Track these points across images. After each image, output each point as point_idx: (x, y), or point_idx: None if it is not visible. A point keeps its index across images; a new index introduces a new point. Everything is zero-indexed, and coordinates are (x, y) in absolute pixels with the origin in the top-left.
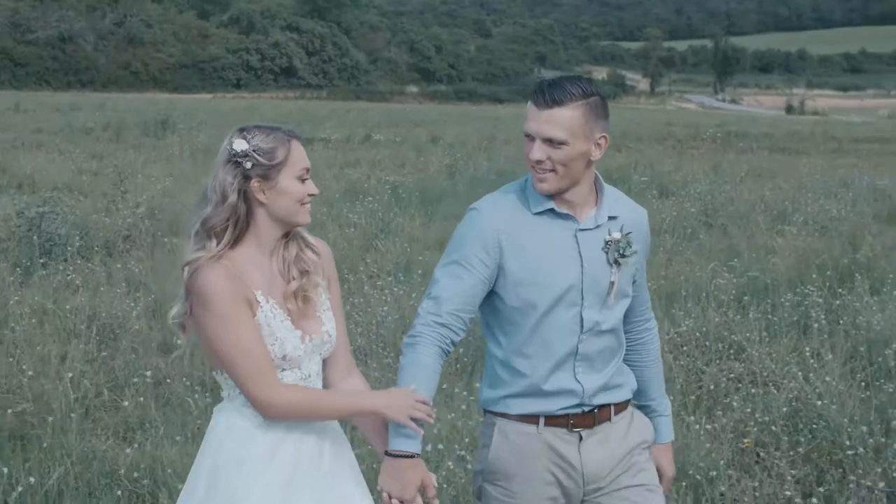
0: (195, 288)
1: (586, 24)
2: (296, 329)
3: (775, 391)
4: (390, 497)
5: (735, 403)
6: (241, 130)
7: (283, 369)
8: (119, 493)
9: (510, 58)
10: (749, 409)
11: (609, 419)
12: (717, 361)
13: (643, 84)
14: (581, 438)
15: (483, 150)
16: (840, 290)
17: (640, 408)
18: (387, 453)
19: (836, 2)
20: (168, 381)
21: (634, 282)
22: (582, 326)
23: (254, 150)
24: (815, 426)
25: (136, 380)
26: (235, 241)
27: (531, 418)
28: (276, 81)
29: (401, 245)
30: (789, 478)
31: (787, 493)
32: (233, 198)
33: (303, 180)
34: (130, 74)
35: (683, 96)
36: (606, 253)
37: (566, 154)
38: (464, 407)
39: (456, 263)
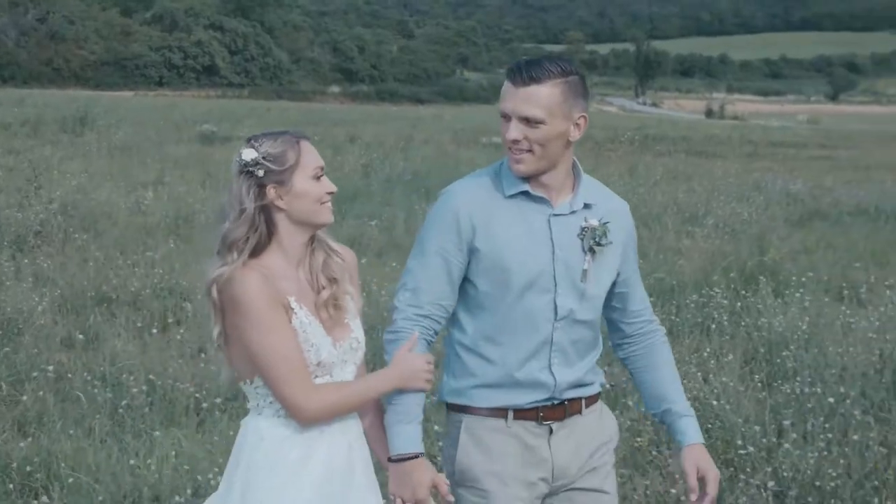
0: (229, 296)
1: (510, 26)
2: (328, 335)
3: None
4: (404, 502)
5: (631, 403)
6: (249, 140)
7: (316, 376)
8: (11, 486)
9: (432, 59)
10: (645, 409)
11: (579, 412)
12: (619, 362)
13: None
14: (551, 431)
15: (400, 150)
16: (744, 292)
17: (661, 415)
18: (390, 460)
19: (757, 7)
20: (69, 375)
21: (619, 276)
22: (556, 314)
23: (264, 158)
24: (710, 426)
25: (36, 374)
26: (260, 252)
27: (499, 412)
28: (199, 80)
29: None
30: (677, 476)
31: (673, 490)
32: (250, 208)
33: (318, 179)
34: (52, 71)
35: (605, 99)
36: (582, 240)
37: (544, 134)
38: None
39: (430, 250)
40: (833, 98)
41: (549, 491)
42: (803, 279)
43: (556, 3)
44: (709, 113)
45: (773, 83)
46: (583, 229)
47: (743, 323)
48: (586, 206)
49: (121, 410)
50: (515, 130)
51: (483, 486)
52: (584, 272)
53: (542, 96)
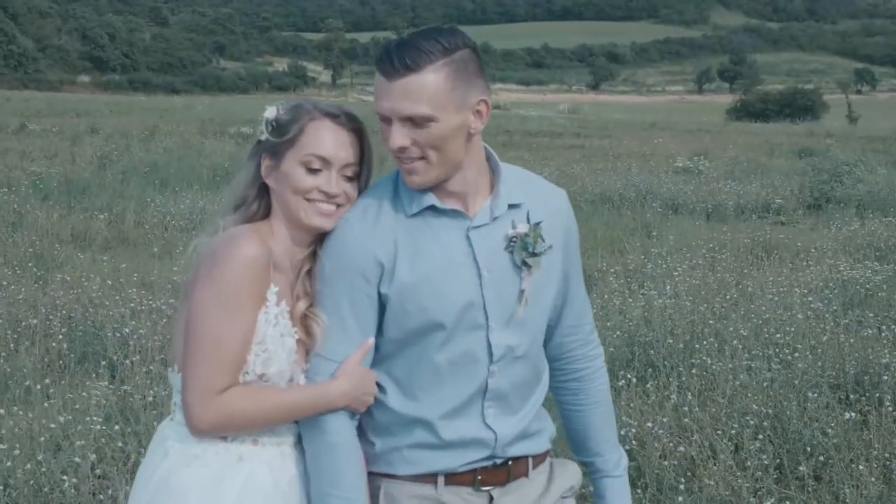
0: (218, 249)
1: (268, 13)
2: (294, 353)
3: None
4: None
5: None
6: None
7: None
8: None
9: (188, 47)
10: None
11: (526, 474)
12: None
13: (325, 76)
14: (491, 499)
15: (143, 141)
16: None
17: (586, 466)
18: None
19: None
20: None
21: (566, 289)
22: (491, 356)
23: (271, 120)
24: None
25: None
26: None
27: (427, 478)
28: None
29: (30, 238)
30: None
31: None
32: (250, 169)
33: (310, 169)
34: None
35: (365, 89)
36: (511, 253)
37: (436, 133)
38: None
39: (340, 307)
40: (594, 88)
41: None
42: None
43: None
44: None
45: (536, 73)
46: (510, 239)
47: None
48: (512, 206)
49: None
50: (400, 136)
51: None
52: (522, 294)
53: (425, 86)
